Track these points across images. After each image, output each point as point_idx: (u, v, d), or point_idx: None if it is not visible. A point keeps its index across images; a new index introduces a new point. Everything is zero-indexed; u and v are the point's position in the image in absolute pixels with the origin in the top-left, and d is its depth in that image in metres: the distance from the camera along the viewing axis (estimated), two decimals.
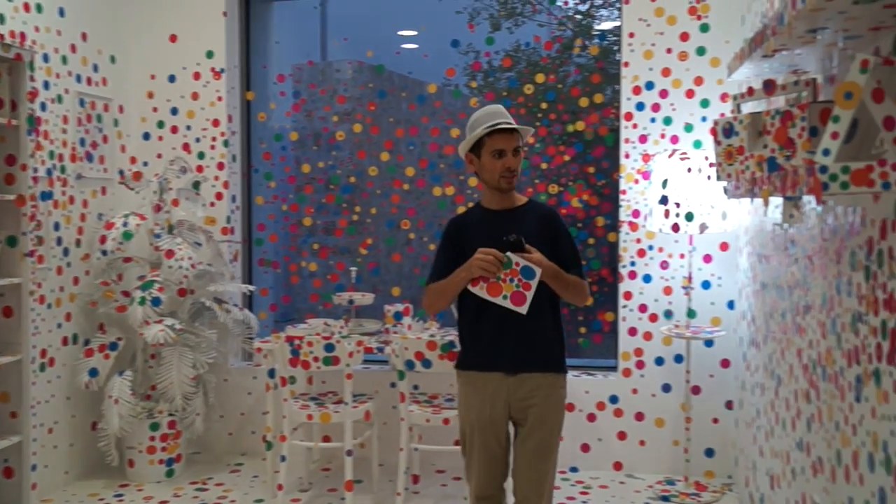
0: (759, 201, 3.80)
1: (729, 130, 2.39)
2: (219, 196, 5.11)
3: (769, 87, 2.29)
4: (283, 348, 4.10)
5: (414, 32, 8.20)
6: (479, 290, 2.83)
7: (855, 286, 2.08)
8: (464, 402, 3.07)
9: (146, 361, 4.74)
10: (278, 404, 4.39)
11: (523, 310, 2.81)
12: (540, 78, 4.85)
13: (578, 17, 7.31)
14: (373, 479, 4.49)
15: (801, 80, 2.19)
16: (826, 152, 1.47)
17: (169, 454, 4.67)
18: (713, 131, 2.44)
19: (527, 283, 2.80)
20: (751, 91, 2.35)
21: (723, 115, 4.30)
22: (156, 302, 4.42)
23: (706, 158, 4.03)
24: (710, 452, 4.60)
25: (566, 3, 5.44)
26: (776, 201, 3.19)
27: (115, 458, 4.47)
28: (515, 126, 2.96)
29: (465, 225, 3.08)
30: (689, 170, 4.00)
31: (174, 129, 5.14)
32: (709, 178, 4.00)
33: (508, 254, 2.81)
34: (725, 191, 2.59)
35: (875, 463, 1.90)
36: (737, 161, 2.36)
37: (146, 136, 5.17)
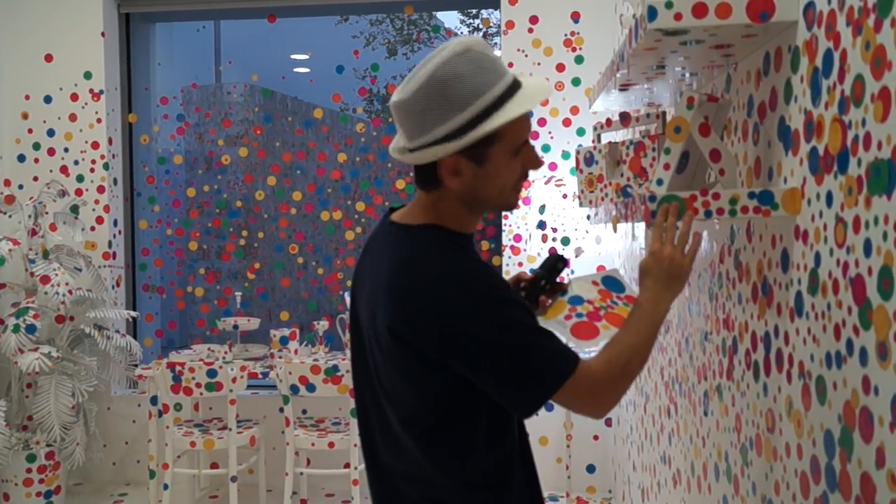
0: (623, 226, 3.98)
1: (590, 159, 2.51)
2: (99, 220, 4.99)
3: (625, 118, 2.42)
4: (165, 375, 4.04)
5: (306, 56, 8.20)
6: (608, 331, 1.67)
7: (702, 306, 2.22)
8: None
9: (22, 391, 4.59)
10: (161, 432, 4.31)
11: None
12: None
13: None
14: None
15: (653, 112, 2.33)
16: (659, 182, 1.58)
17: (47, 486, 4.51)
18: (576, 160, 2.55)
19: (631, 296, 1.82)
20: (609, 122, 2.48)
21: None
22: (30, 329, 4.28)
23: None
24: (591, 469, 4.74)
25: (449, 33, 5.56)
26: (643, 226, 3.35)
27: None
28: (549, 86, 1.65)
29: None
30: (565, 196, 4.15)
31: (51, 152, 5.00)
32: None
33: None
34: (589, 217, 2.71)
35: (720, 472, 2.03)
36: (597, 188, 2.49)
37: (21, 159, 5.02)
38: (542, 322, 1.68)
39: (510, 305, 1.44)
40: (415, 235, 1.53)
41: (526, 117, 1.49)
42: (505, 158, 1.49)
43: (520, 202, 1.58)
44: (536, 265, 4.66)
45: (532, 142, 1.54)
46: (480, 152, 1.47)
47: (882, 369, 1.07)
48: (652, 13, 1.43)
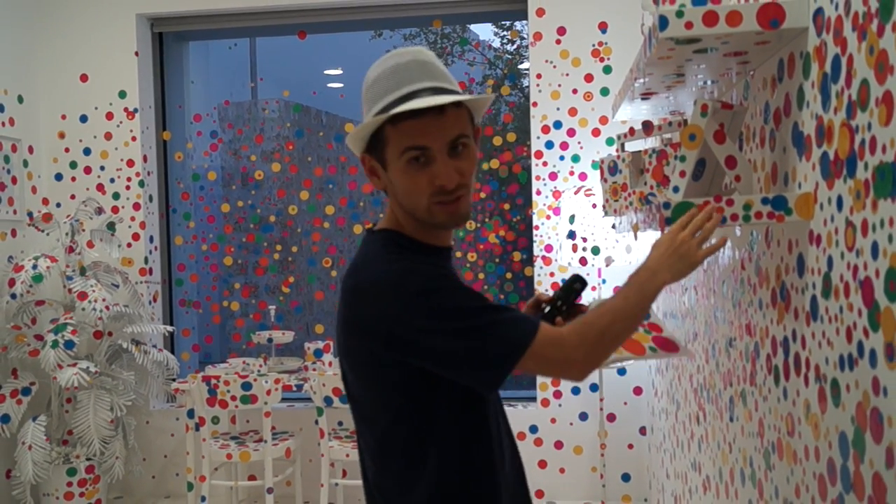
0: (655, 235, 3.97)
1: (614, 168, 2.53)
2: (136, 237, 5.09)
3: (647, 127, 2.43)
4: (201, 388, 4.11)
5: (339, 71, 8.29)
6: (619, 355, 1.76)
7: (727, 313, 2.22)
8: None
9: (62, 406, 4.68)
10: (198, 445, 4.38)
11: (685, 353, 1.89)
12: None
13: (508, 56, 7.48)
14: None
15: (675, 120, 2.34)
16: (675, 189, 1.60)
17: (87, 500, 4.59)
18: (601, 169, 2.57)
19: (654, 323, 1.88)
20: (632, 131, 2.49)
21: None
22: (69, 345, 4.37)
23: None
24: (626, 477, 4.72)
25: (476, 46, 5.60)
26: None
27: None
28: (447, 98, 1.42)
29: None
30: (594, 206, 4.16)
31: (87, 170, 5.12)
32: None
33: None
34: (614, 226, 2.72)
35: (745, 477, 2.03)
36: (621, 197, 2.50)
37: (58, 177, 5.14)
38: None
39: (452, 292, 1.43)
40: (371, 240, 1.57)
41: (418, 123, 1.41)
42: (400, 165, 1.45)
43: (445, 218, 1.49)
44: (568, 275, 4.67)
45: (445, 156, 1.45)
46: (380, 154, 1.48)
47: (890, 370, 1.07)
48: (663, 22, 1.45)
